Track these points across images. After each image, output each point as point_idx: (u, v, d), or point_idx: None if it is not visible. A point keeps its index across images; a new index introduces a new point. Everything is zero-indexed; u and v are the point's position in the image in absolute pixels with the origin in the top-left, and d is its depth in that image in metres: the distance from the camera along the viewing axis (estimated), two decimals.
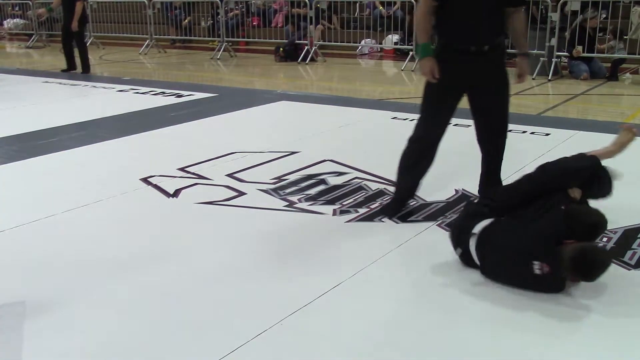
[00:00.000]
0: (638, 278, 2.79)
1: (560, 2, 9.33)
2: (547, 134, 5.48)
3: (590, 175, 2.94)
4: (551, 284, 2.58)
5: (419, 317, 2.49)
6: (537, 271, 2.54)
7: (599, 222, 2.64)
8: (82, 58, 9.89)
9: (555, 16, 9.24)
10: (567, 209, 2.69)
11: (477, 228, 2.81)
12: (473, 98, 3.51)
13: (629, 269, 2.87)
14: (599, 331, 2.38)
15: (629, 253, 3.03)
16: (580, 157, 3.04)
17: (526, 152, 4.82)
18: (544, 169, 3.04)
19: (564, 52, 9.47)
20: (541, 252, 2.56)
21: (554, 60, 9.32)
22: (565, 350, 2.26)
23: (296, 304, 2.55)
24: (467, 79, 3.41)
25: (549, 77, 9.23)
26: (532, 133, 5.55)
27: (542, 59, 9.36)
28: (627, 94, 8.22)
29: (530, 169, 4.40)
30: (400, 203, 3.63)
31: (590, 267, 2.48)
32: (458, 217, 3.14)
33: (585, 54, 9.27)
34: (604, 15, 10.22)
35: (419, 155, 3.56)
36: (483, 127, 3.61)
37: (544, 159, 4.69)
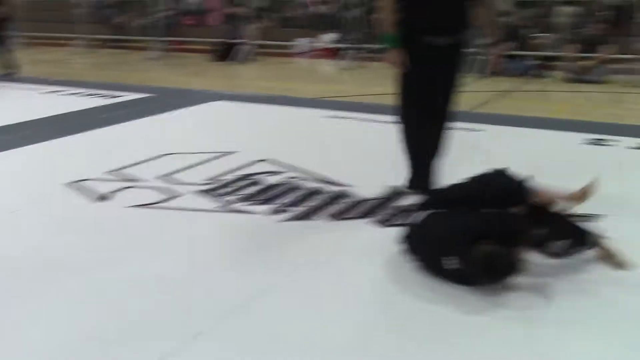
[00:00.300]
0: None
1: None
2: (480, 130, 5.60)
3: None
4: (460, 279, 2.61)
5: (355, 315, 2.50)
6: (450, 265, 2.60)
7: (523, 231, 2.67)
8: (7, 59, 9.51)
9: None
10: (499, 213, 2.73)
11: (419, 218, 2.89)
12: (440, 83, 3.69)
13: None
14: (512, 324, 2.45)
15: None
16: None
17: (460, 148, 4.90)
18: (496, 176, 2.99)
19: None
20: (457, 247, 2.60)
21: (487, 57, 9.53)
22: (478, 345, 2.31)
23: (230, 307, 2.52)
24: (434, 67, 3.56)
25: (483, 74, 9.43)
26: (466, 129, 5.66)
27: (478, 56, 9.55)
28: (556, 90, 8.49)
29: (460, 165, 4.51)
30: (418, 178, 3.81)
31: (495, 270, 2.54)
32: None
33: (516, 52, 9.53)
34: (532, 14, 10.55)
35: (417, 136, 3.74)
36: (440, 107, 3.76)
37: (477, 154, 4.81)
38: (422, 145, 3.78)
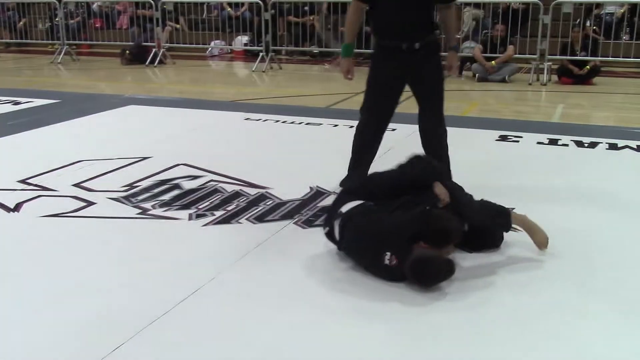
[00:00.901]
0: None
1: None
2: (393, 130, 5.73)
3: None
4: (396, 276, 2.68)
5: (281, 316, 2.50)
6: (387, 261, 2.66)
7: (452, 230, 2.73)
8: None
9: None
10: (429, 212, 2.78)
11: (345, 208, 2.92)
12: (412, 89, 3.74)
13: (470, 252, 3.08)
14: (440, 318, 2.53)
15: None
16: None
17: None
18: (412, 163, 3.10)
19: None
20: (395, 245, 2.66)
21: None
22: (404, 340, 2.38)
23: (152, 315, 2.47)
24: (402, 75, 3.61)
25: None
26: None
27: None
28: (466, 90, 8.80)
29: (377, 163, 4.60)
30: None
31: (426, 276, 2.62)
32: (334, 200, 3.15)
33: None
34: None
35: (362, 144, 3.83)
36: (422, 115, 3.81)
37: (391, 154, 4.92)
38: (369, 151, 3.86)
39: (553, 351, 2.25)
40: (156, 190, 4.00)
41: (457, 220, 2.78)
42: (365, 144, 3.86)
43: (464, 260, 2.95)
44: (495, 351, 2.26)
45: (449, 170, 3.72)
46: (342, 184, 3.84)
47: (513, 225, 3.03)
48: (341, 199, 3.04)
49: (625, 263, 2.98)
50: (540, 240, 3.01)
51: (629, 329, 2.41)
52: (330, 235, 2.97)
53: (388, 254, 2.65)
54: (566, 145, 5.18)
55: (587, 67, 8.96)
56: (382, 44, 3.61)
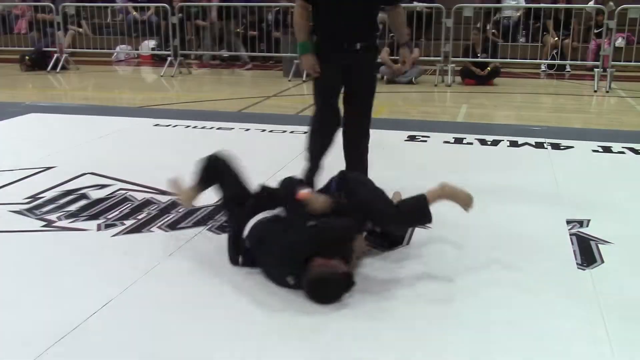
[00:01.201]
0: (393, 257, 3.07)
1: None
2: (305, 132, 5.77)
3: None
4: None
5: (193, 327, 2.47)
6: (292, 282, 2.67)
7: (339, 238, 2.74)
8: None
9: None
10: (317, 228, 2.72)
11: (251, 223, 2.91)
12: (351, 91, 3.76)
13: (384, 251, 3.15)
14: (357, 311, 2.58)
15: None
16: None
17: (288, 151, 5.03)
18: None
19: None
20: (295, 267, 2.65)
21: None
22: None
23: (63, 330, 2.38)
24: (342, 73, 3.63)
25: (304, 79, 9.73)
26: (292, 132, 5.82)
27: (295, 61, 9.83)
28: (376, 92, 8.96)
29: (293, 166, 4.63)
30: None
31: (325, 295, 2.61)
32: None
33: None
34: None
35: (319, 138, 3.83)
36: (346, 118, 3.80)
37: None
38: (320, 150, 3.86)
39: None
40: (62, 201, 3.86)
41: (344, 223, 2.77)
42: (324, 146, 3.85)
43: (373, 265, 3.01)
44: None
45: (364, 171, 3.82)
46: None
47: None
48: (239, 215, 3.01)
49: (533, 251, 3.13)
50: (465, 202, 3.09)
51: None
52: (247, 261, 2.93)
53: (291, 277, 2.65)
54: (471, 143, 5.39)
55: (488, 68, 9.36)
56: (323, 44, 3.64)
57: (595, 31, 10.33)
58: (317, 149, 3.86)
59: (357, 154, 3.89)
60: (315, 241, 2.68)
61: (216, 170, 3.19)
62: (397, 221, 3.06)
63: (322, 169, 3.85)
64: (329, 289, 2.61)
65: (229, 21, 11.33)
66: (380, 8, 3.80)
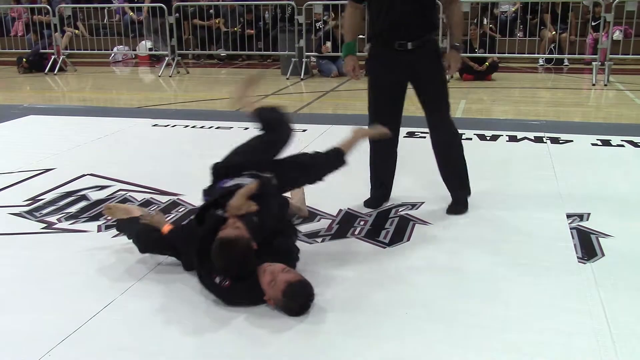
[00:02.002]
0: (393, 253, 3.08)
1: (305, 5, 9.87)
2: (304, 130, 5.78)
3: None
4: (223, 296, 2.59)
5: (192, 325, 2.47)
6: (217, 281, 2.58)
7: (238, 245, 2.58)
8: None
9: (301, 19, 9.76)
10: (216, 242, 2.57)
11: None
12: (416, 92, 3.52)
13: (385, 247, 3.15)
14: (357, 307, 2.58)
15: (383, 233, 3.32)
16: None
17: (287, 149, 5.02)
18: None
19: (312, 52, 10.05)
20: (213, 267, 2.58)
21: (304, 60, 9.85)
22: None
23: (64, 332, 2.38)
24: (399, 74, 3.41)
25: (301, 77, 9.73)
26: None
27: (293, 59, 9.83)
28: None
29: None
30: (373, 199, 3.73)
31: (300, 306, 2.51)
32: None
33: (332, 53, 9.95)
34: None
35: (374, 151, 3.66)
36: (430, 121, 3.57)
37: None
38: (378, 160, 3.68)
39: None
40: (62, 203, 3.85)
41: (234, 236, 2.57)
42: (377, 156, 3.67)
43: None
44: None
45: (462, 178, 3.64)
46: (366, 203, 3.72)
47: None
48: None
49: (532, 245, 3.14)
50: (379, 134, 3.30)
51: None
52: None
53: (217, 275, 2.57)
54: (470, 139, 5.38)
55: (487, 63, 9.35)
56: (375, 43, 3.44)
57: (593, 24, 10.33)
58: (371, 163, 3.71)
59: (443, 157, 3.61)
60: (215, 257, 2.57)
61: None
62: (318, 168, 3.10)
63: (386, 189, 3.72)
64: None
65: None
66: (436, 3, 3.47)
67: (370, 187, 3.77)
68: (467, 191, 3.65)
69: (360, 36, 3.68)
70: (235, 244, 2.51)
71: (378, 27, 3.37)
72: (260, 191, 2.74)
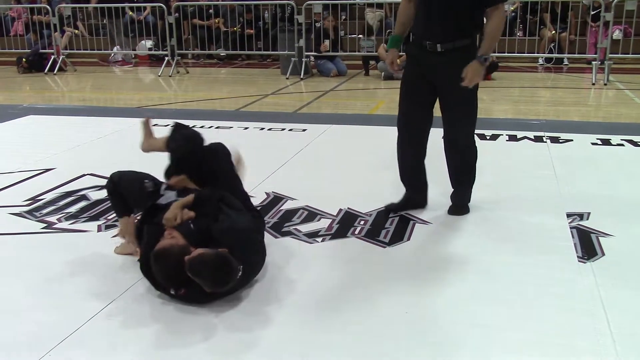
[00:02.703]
0: (393, 253, 3.08)
1: (304, 4, 9.87)
2: (304, 130, 5.78)
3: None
4: (193, 298, 2.57)
5: (192, 324, 2.47)
6: (173, 292, 2.58)
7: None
8: None
9: (301, 18, 9.76)
10: (151, 257, 2.57)
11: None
12: (439, 96, 3.40)
13: (384, 247, 3.15)
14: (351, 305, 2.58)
15: (383, 232, 3.32)
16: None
17: (287, 149, 5.04)
18: None
19: (312, 52, 10.04)
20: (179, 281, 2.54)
21: (303, 60, 9.85)
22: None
23: (64, 332, 2.38)
24: (426, 75, 3.33)
25: (301, 76, 9.73)
26: (290, 130, 5.81)
27: (293, 59, 9.83)
28: (372, 88, 8.99)
29: (291, 164, 4.64)
30: (403, 202, 3.64)
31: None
32: None
33: (331, 53, 9.95)
34: (343, 17, 11.06)
35: (400, 147, 3.56)
36: (444, 127, 3.48)
37: (304, 153, 4.96)
38: (402, 161, 3.58)
39: None
40: (61, 203, 3.85)
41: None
42: (401, 158, 3.58)
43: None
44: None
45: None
46: (388, 207, 3.64)
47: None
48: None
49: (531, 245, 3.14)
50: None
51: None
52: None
53: (177, 288, 2.55)
54: None
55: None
56: (411, 39, 3.43)
57: (592, 13, 10.27)
58: (399, 165, 3.61)
59: (451, 166, 3.56)
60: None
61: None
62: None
63: (413, 181, 3.61)
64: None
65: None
66: (480, 8, 3.23)
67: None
68: (469, 196, 3.63)
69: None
70: (168, 253, 2.49)
71: (415, 26, 3.36)
72: (196, 202, 2.77)
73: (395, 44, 3.45)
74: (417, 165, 3.58)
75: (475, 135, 3.48)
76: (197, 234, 2.65)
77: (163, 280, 2.55)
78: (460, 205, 3.61)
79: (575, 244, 3.14)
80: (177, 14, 10.68)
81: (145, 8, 12.05)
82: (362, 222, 3.46)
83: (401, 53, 3.59)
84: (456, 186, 3.61)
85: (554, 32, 10.75)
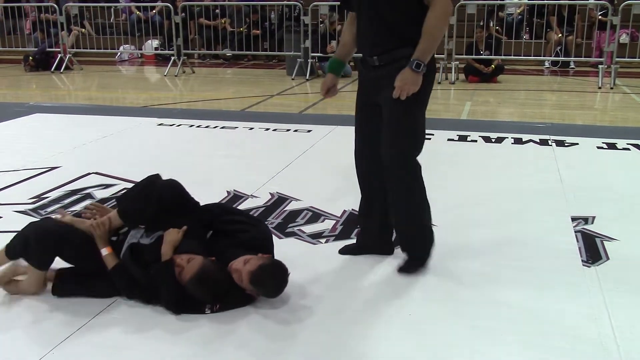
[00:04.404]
0: (397, 255, 3.07)
1: (311, 5, 9.87)
2: (309, 131, 5.78)
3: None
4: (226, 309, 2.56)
5: (193, 323, 2.47)
6: (208, 311, 2.54)
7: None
8: None
9: (307, 19, 9.76)
10: (190, 284, 2.49)
11: None
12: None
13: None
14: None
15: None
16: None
17: (291, 149, 5.04)
18: None
19: (318, 53, 10.04)
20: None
21: (309, 60, 9.85)
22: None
23: (66, 331, 2.39)
24: (368, 93, 2.83)
25: (307, 77, 9.73)
26: (296, 131, 5.82)
27: (299, 60, 9.84)
28: None
29: (296, 165, 4.64)
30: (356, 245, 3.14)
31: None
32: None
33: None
34: None
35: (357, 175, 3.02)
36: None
37: (309, 154, 4.97)
38: (361, 183, 3.03)
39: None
40: (66, 201, 3.86)
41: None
42: (358, 175, 3.02)
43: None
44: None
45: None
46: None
47: None
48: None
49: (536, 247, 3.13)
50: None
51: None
52: None
53: (207, 305, 2.53)
54: (475, 141, 5.38)
55: (493, 65, 9.34)
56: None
57: (599, 16, 10.23)
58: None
59: (391, 205, 2.87)
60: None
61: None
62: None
63: (371, 231, 3.06)
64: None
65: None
66: (414, 7, 2.61)
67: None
68: (420, 249, 2.89)
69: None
70: (205, 272, 2.48)
71: (357, 37, 2.84)
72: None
73: (334, 69, 2.97)
74: (375, 204, 2.99)
75: (414, 166, 2.76)
76: (201, 247, 2.64)
77: (210, 298, 2.52)
78: (408, 260, 2.89)
79: (579, 248, 3.14)
80: (183, 14, 10.69)
81: (152, 8, 12.07)
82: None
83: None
84: (395, 228, 2.98)
85: (560, 35, 10.73)
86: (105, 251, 2.60)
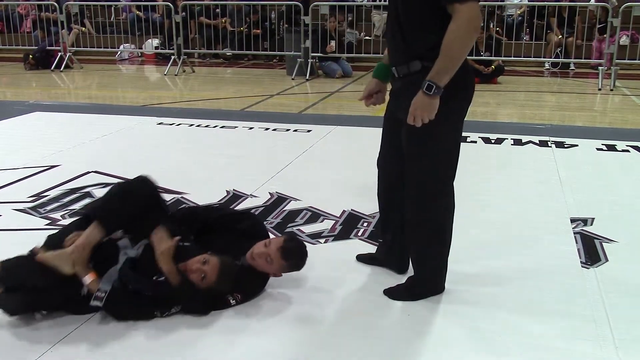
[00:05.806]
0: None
1: (311, 6, 9.87)
2: (309, 131, 5.78)
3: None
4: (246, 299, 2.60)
5: (192, 322, 2.48)
6: (233, 302, 2.56)
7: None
8: None
9: (307, 19, 9.76)
10: (215, 282, 2.49)
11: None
12: None
13: None
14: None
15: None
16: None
17: (291, 149, 5.04)
18: None
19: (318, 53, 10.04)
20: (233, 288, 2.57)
21: (309, 60, 9.85)
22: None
23: (65, 330, 2.39)
24: (391, 105, 2.65)
25: (307, 77, 9.73)
26: (295, 130, 5.82)
27: (299, 60, 9.83)
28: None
29: (295, 165, 4.64)
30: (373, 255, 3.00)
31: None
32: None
33: (336, 54, 9.95)
34: (350, 18, 11.07)
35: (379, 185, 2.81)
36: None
37: (308, 154, 4.97)
38: (380, 198, 2.82)
39: None
40: (66, 200, 3.86)
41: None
42: (378, 186, 2.82)
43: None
44: None
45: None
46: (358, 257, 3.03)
47: None
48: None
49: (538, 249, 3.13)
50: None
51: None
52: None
53: (230, 296, 2.55)
54: (474, 142, 5.38)
55: (493, 66, 9.34)
56: None
57: (598, 26, 10.27)
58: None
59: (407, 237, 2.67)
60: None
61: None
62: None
63: (386, 244, 2.88)
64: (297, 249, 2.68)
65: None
66: (433, 14, 2.28)
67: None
68: (424, 277, 2.66)
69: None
70: (227, 266, 2.50)
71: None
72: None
73: (379, 74, 2.73)
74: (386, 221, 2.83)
75: (441, 191, 2.53)
76: (197, 248, 2.62)
77: (233, 288, 2.54)
78: (405, 284, 2.70)
79: (578, 250, 3.14)
80: (184, 13, 10.69)
81: (153, 7, 12.06)
82: (365, 224, 3.46)
83: None
84: (410, 252, 2.73)
85: (560, 36, 10.72)
86: (88, 278, 2.40)
